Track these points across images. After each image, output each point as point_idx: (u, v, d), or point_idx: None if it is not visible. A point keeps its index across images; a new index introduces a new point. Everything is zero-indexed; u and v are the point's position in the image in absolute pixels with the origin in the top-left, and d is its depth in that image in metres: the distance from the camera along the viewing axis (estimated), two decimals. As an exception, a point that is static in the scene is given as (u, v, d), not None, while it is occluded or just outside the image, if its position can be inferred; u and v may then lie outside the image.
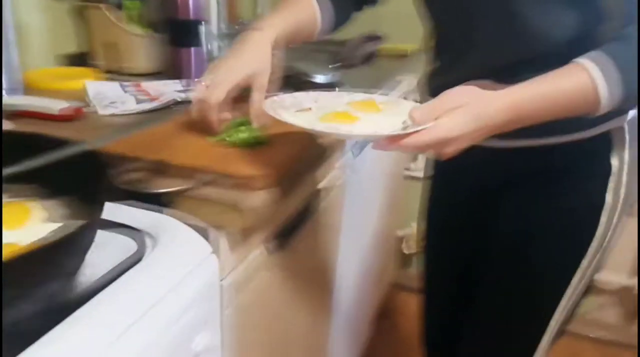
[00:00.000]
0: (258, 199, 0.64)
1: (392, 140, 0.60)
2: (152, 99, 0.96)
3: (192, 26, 1.11)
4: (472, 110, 0.61)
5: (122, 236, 0.56)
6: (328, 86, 1.16)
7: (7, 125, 0.82)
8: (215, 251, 0.60)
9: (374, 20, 1.90)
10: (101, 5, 1.15)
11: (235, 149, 0.72)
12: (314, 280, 1.05)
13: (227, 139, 0.74)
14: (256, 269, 0.73)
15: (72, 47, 1.23)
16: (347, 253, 1.21)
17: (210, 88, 0.75)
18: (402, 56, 1.64)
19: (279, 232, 0.78)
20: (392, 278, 2.02)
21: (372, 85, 1.32)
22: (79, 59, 1.23)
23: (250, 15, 1.92)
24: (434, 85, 0.87)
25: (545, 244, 0.80)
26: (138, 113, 0.92)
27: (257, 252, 0.73)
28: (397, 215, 1.90)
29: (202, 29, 1.25)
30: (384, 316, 1.87)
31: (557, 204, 0.79)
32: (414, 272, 2.00)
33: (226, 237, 0.63)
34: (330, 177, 0.97)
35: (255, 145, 0.74)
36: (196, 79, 1.12)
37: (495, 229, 0.86)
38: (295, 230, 0.85)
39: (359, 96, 0.77)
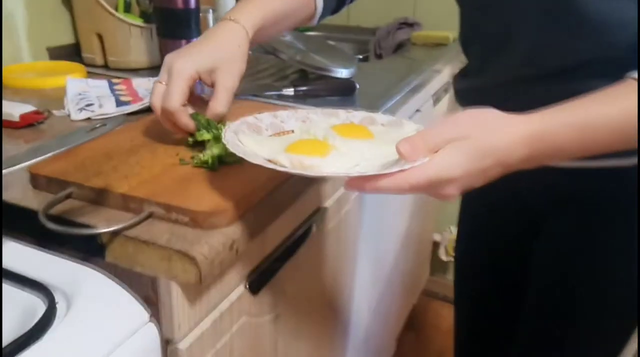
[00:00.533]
0: (222, 239, 0.50)
1: (368, 180, 0.44)
2: (135, 101, 0.83)
3: (186, 15, 0.96)
4: (477, 144, 0.46)
5: (26, 294, 0.43)
6: (347, 82, 0.99)
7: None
8: (165, 308, 0.46)
9: (409, 4, 1.72)
10: (91, -10, 1.03)
11: (204, 170, 0.58)
12: (321, 301, 0.90)
13: (196, 159, 0.59)
14: (235, 315, 0.58)
15: (65, 39, 1.12)
16: (367, 260, 1.06)
17: (168, 87, 0.62)
18: (440, 45, 1.45)
19: (264, 266, 0.63)
20: (424, 286, 1.85)
21: (402, 77, 1.15)
22: (72, 52, 1.12)
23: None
24: (461, 89, 0.71)
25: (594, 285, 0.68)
26: (115, 117, 0.79)
27: (235, 294, 0.58)
28: (433, 217, 1.72)
29: (206, 17, 1.12)
30: (412, 329, 1.70)
31: (613, 241, 0.65)
32: (451, 280, 1.83)
33: (182, 288, 0.49)
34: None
35: (232, 163, 0.59)
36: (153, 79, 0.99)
37: (537, 253, 0.75)
38: (288, 257, 0.70)
39: (358, 115, 0.62)
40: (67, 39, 1.12)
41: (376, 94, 1.01)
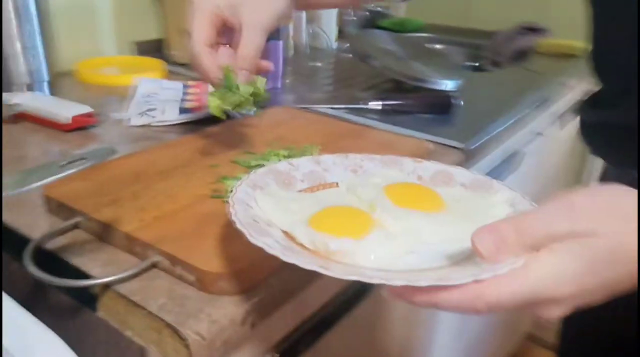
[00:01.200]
0: (231, 311, 0.38)
1: (419, 292, 0.29)
2: (198, 109, 0.74)
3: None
4: (606, 247, 0.29)
5: None
6: (447, 97, 0.83)
7: None
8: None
9: (537, 7, 1.48)
10: (178, -16, 0.97)
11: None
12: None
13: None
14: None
15: (153, 34, 1.08)
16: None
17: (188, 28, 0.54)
18: (569, 56, 1.22)
19: (300, 333, 0.51)
20: (528, 328, 1.62)
21: (520, 92, 0.96)
22: (158, 48, 1.07)
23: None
24: (588, 123, 0.52)
25: None
26: (177, 125, 0.71)
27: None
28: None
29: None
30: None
31: None
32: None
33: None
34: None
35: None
36: None
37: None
38: (335, 321, 0.57)
39: (430, 168, 0.46)
40: (155, 34, 1.08)
41: (484, 112, 0.84)
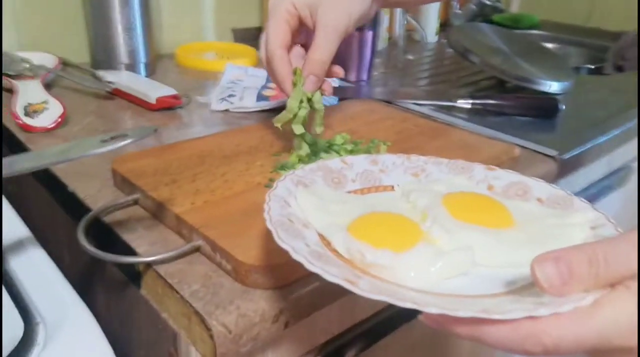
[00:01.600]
0: (263, 306, 0.36)
1: (460, 323, 0.25)
2: (275, 97, 0.74)
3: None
4: None
5: (12, 308, 0.36)
6: (549, 100, 0.74)
7: (92, 103, 0.71)
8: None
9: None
10: (278, -28, 0.97)
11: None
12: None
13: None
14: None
15: (252, 21, 1.09)
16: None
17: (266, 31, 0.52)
18: None
19: (346, 339, 0.48)
20: None
21: (636, 100, 0.84)
22: (257, 35, 1.08)
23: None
24: None
25: None
26: (251, 112, 0.71)
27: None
28: None
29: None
30: None
31: None
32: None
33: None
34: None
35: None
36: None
37: None
38: (390, 329, 0.53)
39: (504, 178, 0.40)
40: (253, 21, 1.09)
41: (590, 119, 0.75)
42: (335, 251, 0.32)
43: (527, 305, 0.26)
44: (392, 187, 0.40)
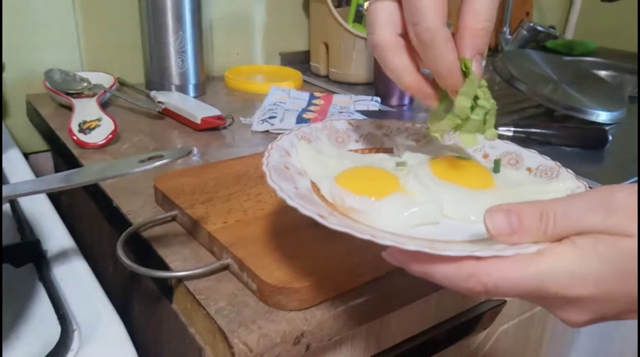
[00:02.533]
0: (284, 327, 0.37)
1: (415, 258, 0.28)
2: (315, 120, 0.75)
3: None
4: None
5: (52, 314, 0.38)
6: (597, 130, 0.72)
7: (143, 122, 0.74)
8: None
9: None
10: (327, -2, 1.00)
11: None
12: None
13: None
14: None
15: (299, 45, 1.12)
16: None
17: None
18: None
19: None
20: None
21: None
22: (303, 59, 1.11)
23: (547, 19, 1.49)
24: None
25: None
26: (291, 133, 0.73)
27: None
28: None
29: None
30: None
31: None
32: None
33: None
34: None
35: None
36: (355, 97, 0.86)
37: None
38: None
39: (500, 147, 0.43)
40: (300, 46, 1.12)
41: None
42: (323, 197, 0.35)
43: (474, 248, 0.27)
44: (392, 149, 0.43)
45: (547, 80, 0.89)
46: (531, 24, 1.27)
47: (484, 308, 0.56)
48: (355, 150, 0.43)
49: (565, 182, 0.37)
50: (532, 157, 0.41)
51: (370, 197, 0.34)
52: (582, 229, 0.26)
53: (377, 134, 0.44)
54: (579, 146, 0.71)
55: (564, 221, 0.26)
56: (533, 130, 0.70)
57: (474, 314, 0.56)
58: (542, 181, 0.39)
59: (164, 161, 0.34)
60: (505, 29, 1.28)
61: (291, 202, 0.30)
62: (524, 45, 1.31)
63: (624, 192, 0.26)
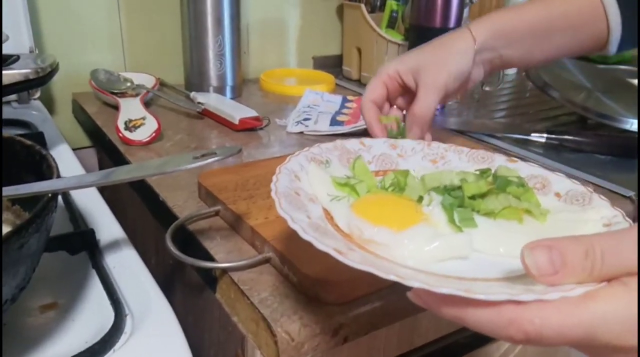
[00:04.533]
0: (323, 318, 0.39)
1: (445, 301, 0.25)
2: (349, 123, 0.77)
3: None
4: None
5: (105, 299, 0.41)
6: (629, 139, 0.73)
7: (184, 122, 0.77)
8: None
9: None
10: (360, 4, 1.01)
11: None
12: None
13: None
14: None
15: (332, 49, 1.14)
16: None
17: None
18: None
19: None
20: None
21: None
22: (335, 63, 1.13)
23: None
24: None
25: None
26: (324, 135, 0.75)
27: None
28: None
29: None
30: None
31: None
32: None
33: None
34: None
35: None
36: None
37: None
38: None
39: (525, 170, 0.41)
40: (333, 50, 1.14)
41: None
42: (337, 227, 0.33)
43: (514, 290, 0.25)
44: (408, 171, 0.41)
45: (581, 88, 0.90)
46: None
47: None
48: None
49: (601, 211, 0.34)
50: (560, 182, 0.39)
51: (392, 228, 0.31)
52: (632, 268, 0.23)
53: (391, 155, 0.43)
54: (612, 154, 0.71)
55: (613, 260, 0.24)
56: (566, 137, 0.71)
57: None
58: (575, 209, 0.36)
59: (216, 158, 0.36)
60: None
61: (305, 236, 0.28)
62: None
63: None
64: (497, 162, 0.42)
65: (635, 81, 1.11)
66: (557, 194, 0.38)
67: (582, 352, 0.26)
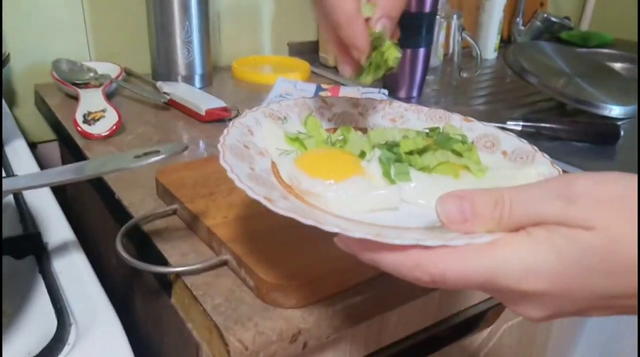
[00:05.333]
0: (281, 325, 0.36)
1: (365, 246, 0.27)
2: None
3: (417, 21, 0.82)
4: (602, 243, 0.22)
5: (48, 308, 0.38)
6: (609, 126, 0.71)
7: (149, 113, 0.74)
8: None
9: None
10: (335, -12, 0.98)
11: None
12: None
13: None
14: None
15: (307, 35, 1.11)
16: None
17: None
18: None
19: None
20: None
21: None
22: (311, 50, 1.10)
23: (561, 10, 1.46)
24: None
25: None
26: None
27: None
28: None
29: (450, 24, 0.95)
30: None
31: None
32: None
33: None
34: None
35: None
36: (363, 90, 0.84)
37: None
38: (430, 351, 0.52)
39: (478, 129, 0.42)
40: (310, 36, 1.11)
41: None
42: (281, 179, 0.34)
43: (423, 235, 0.26)
44: (367, 129, 0.42)
45: (560, 73, 0.88)
46: (545, 15, 1.24)
47: (488, 305, 0.55)
48: (328, 130, 0.42)
49: (539, 168, 0.35)
50: (508, 140, 0.40)
51: (327, 180, 0.33)
52: (539, 219, 0.24)
53: (352, 113, 0.43)
54: (590, 141, 0.69)
55: (520, 210, 0.24)
56: (543, 124, 0.69)
57: (477, 310, 0.55)
58: (517, 166, 0.37)
59: (159, 157, 0.33)
60: (518, 19, 1.25)
61: (240, 184, 0.29)
62: (538, 36, 1.28)
63: (586, 180, 0.24)
64: (454, 121, 0.43)
65: (616, 65, 1.09)
66: (504, 153, 0.39)
67: (494, 296, 0.27)
